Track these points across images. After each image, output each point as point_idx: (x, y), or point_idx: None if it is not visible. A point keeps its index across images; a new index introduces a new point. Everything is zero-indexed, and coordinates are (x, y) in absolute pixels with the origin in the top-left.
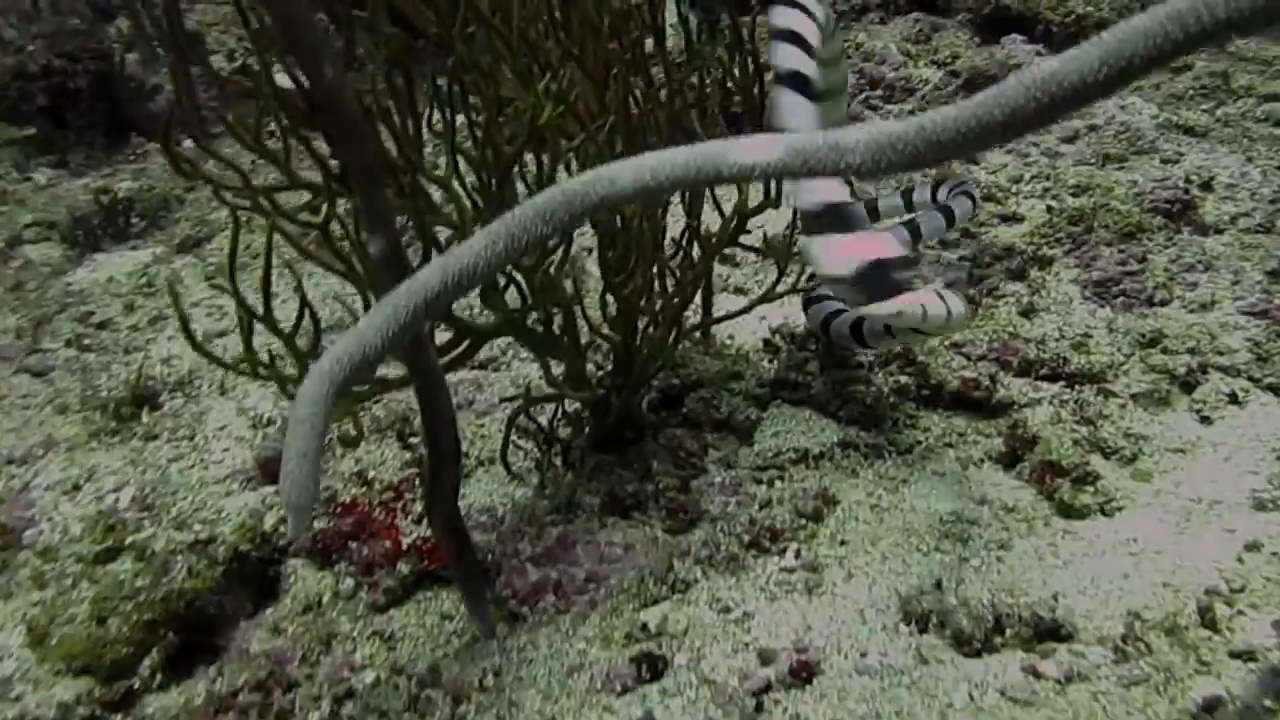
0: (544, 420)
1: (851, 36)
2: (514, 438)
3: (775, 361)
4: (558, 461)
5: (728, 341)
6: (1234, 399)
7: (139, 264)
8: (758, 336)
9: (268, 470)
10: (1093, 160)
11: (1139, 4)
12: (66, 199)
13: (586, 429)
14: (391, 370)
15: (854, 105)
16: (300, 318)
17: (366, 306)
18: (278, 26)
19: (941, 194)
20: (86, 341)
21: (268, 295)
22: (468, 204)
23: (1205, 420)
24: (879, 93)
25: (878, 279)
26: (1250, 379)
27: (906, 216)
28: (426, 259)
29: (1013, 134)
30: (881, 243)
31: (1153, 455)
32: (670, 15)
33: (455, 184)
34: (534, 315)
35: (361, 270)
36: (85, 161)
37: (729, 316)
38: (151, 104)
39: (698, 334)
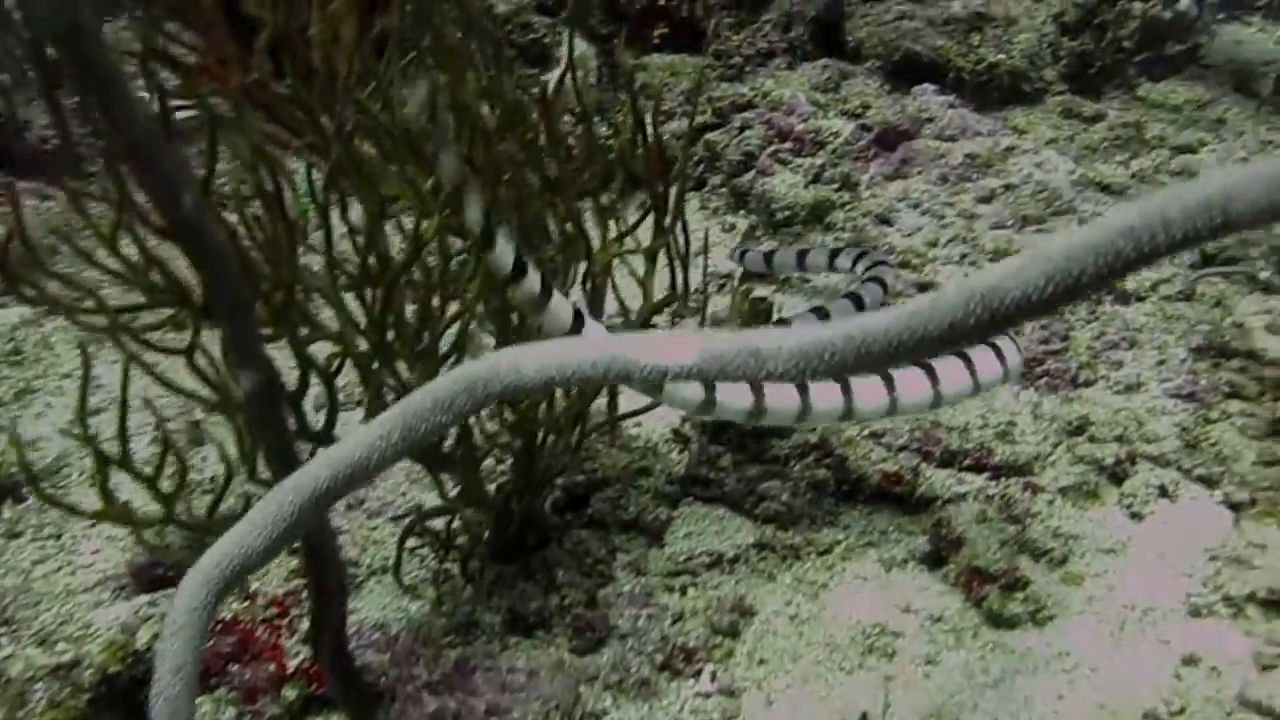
0: (441, 525)
1: (758, 84)
2: (409, 543)
3: (685, 454)
4: (456, 571)
5: (634, 432)
6: (1164, 492)
7: (4, 326)
8: (666, 424)
9: (142, 578)
10: (1010, 222)
11: (1050, 51)
12: None
13: (486, 535)
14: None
15: (761, 159)
16: (163, 459)
17: (240, 444)
18: (127, 153)
19: (859, 268)
20: None
21: (124, 437)
22: (351, 320)
23: (1136, 516)
24: (788, 145)
25: None
26: (1180, 469)
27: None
28: (303, 387)
29: (949, 345)
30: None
31: (1083, 556)
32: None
33: (339, 298)
34: None
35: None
36: None
37: (638, 412)
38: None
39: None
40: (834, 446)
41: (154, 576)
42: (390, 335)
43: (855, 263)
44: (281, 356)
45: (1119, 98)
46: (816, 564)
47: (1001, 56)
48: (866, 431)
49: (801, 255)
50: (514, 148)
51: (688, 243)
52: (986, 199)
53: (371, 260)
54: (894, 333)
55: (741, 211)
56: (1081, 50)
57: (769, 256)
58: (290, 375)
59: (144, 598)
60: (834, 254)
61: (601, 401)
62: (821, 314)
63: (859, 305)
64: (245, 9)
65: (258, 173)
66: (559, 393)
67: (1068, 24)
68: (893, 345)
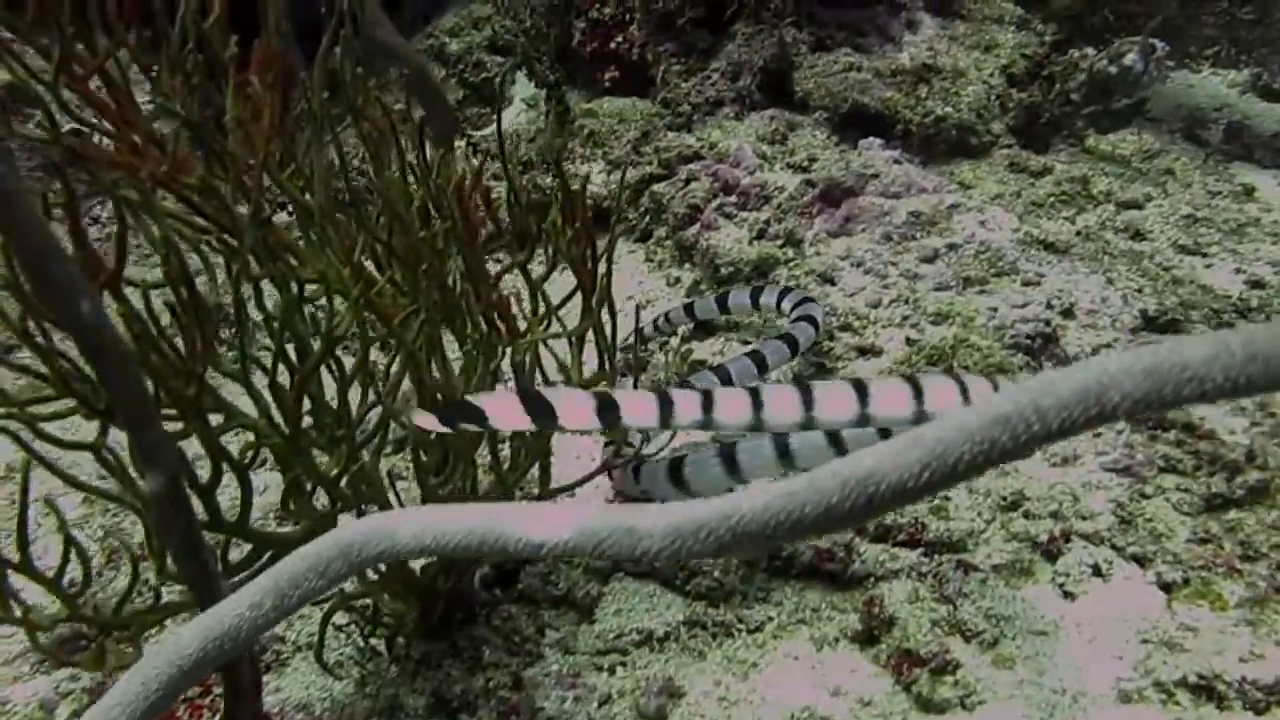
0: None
1: (705, 134)
2: (335, 618)
3: None
4: (382, 648)
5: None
6: (1097, 571)
7: None
8: (600, 493)
9: (63, 652)
10: (953, 283)
11: (998, 104)
12: None
13: (413, 613)
14: (175, 594)
15: (707, 213)
16: (65, 559)
17: (149, 543)
18: (20, 261)
19: (786, 305)
20: None
21: (24, 540)
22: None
23: (1068, 595)
24: (733, 199)
25: None
26: (1114, 547)
27: (751, 347)
28: (216, 478)
29: (825, 530)
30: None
31: (1014, 639)
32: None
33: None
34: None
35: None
36: None
37: (571, 487)
38: None
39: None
40: None
41: (76, 649)
42: (307, 422)
43: (780, 299)
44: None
45: (1066, 150)
46: (747, 641)
47: (949, 110)
48: None
49: (723, 300)
50: (435, 235)
51: (614, 321)
52: (930, 259)
53: (288, 347)
54: (771, 512)
55: (686, 265)
56: (1029, 103)
57: (689, 309)
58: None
59: (64, 672)
60: (756, 292)
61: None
62: (757, 358)
63: (793, 347)
64: (159, 94)
65: (169, 262)
66: (486, 465)
67: (1015, 75)
68: (769, 525)
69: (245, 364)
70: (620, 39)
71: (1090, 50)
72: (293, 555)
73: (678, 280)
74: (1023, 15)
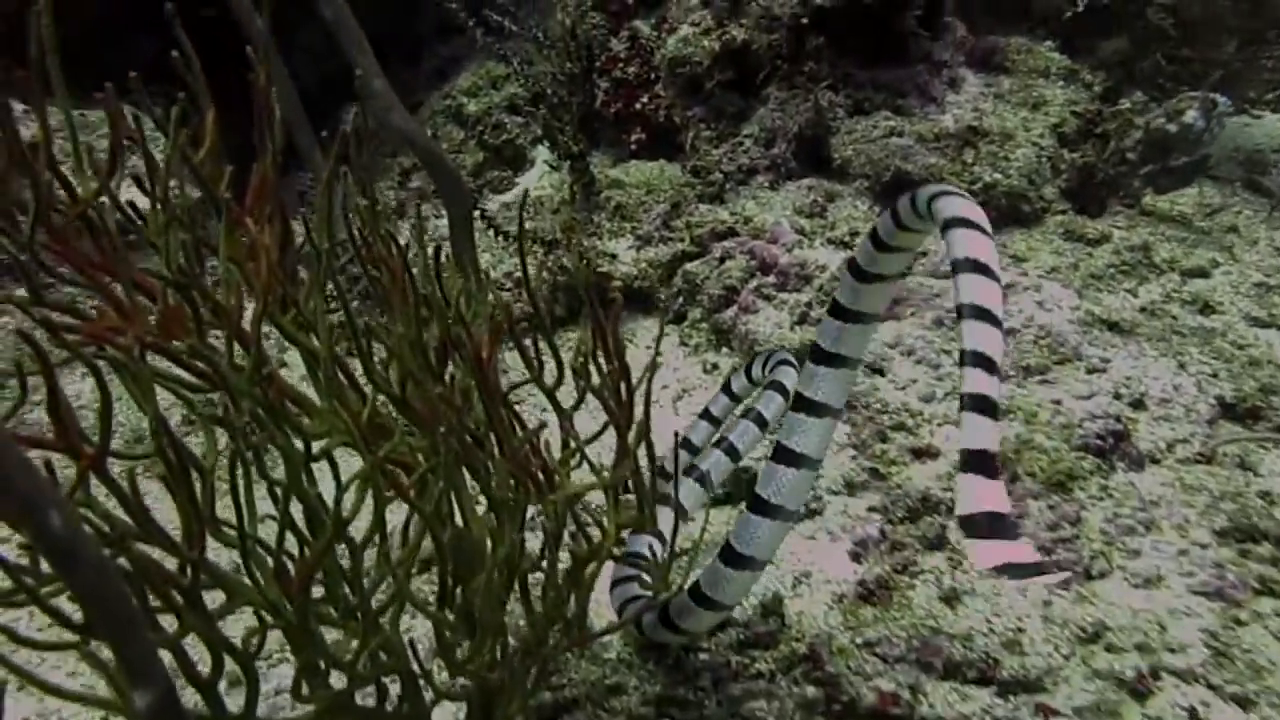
0: None
1: (739, 206)
2: None
3: (662, 669)
4: None
5: (606, 640)
6: (1194, 715)
7: None
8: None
9: None
10: (1012, 373)
11: (1049, 166)
12: None
13: None
14: None
15: (744, 294)
16: None
17: None
18: None
19: (756, 369)
20: None
21: None
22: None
23: None
24: (771, 279)
25: None
26: (1209, 686)
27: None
28: (217, 670)
29: None
30: None
31: None
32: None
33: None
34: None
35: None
36: None
37: (605, 632)
38: None
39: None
40: (825, 659)
41: None
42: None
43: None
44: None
45: (1124, 213)
46: None
47: (998, 176)
48: (860, 640)
49: (727, 388)
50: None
51: (654, 470)
52: None
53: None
54: None
55: (724, 349)
56: (1083, 163)
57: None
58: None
59: None
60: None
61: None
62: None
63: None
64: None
65: (159, 439)
66: (519, 620)
67: (1066, 134)
68: None
69: (246, 545)
70: (645, 99)
71: (1141, 96)
72: None
73: (715, 367)
74: (1069, 65)
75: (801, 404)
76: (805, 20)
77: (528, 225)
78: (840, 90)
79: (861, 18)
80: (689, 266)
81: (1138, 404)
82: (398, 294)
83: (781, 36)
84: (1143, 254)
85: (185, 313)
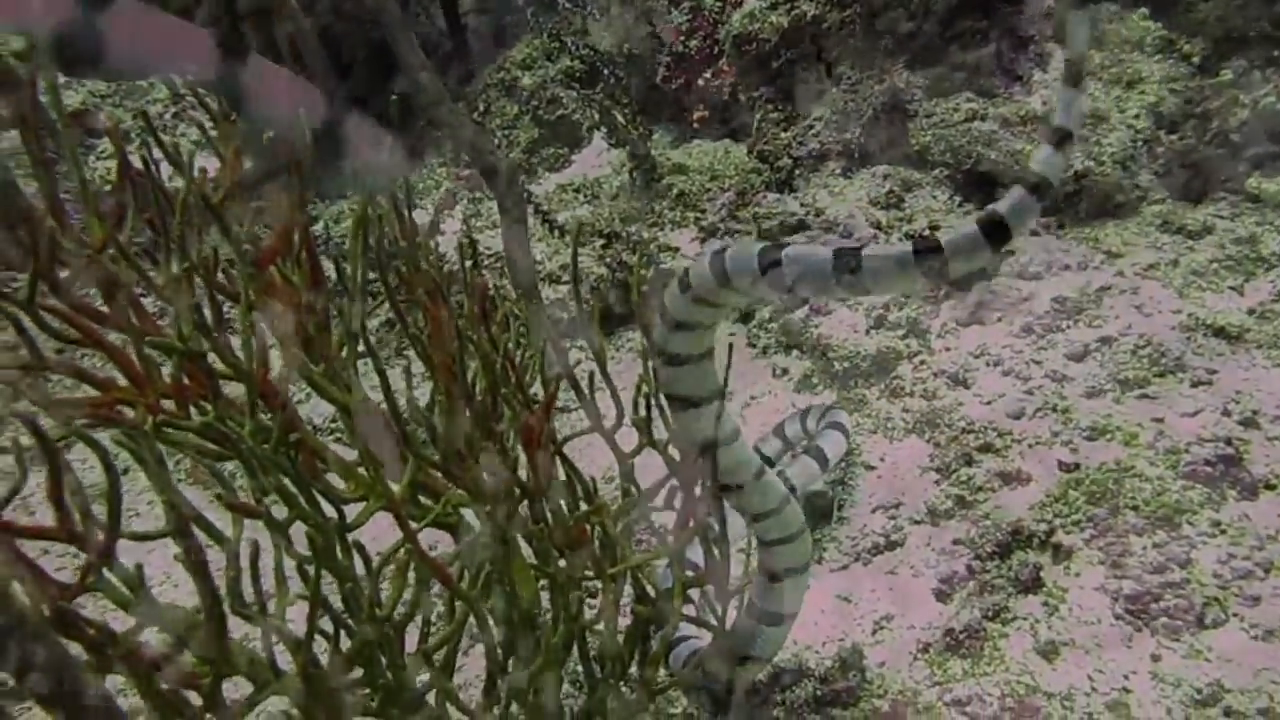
0: None
1: (809, 197)
2: None
3: None
4: None
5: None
6: None
7: None
8: None
9: None
10: (1109, 387)
11: (1145, 150)
12: None
13: None
14: None
15: None
16: None
17: None
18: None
19: (811, 424)
20: None
21: None
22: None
23: None
24: None
25: None
26: None
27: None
28: None
29: None
30: None
31: None
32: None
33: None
34: None
35: None
36: None
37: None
38: None
39: None
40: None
41: None
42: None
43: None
44: None
45: (1227, 199)
46: None
47: (1090, 164)
48: (950, 698)
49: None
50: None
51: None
52: (1079, 356)
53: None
54: None
55: (794, 353)
56: (1183, 146)
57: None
58: None
59: None
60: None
61: None
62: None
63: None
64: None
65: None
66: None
67: (1164, 114)
68: None
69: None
70: (708, 75)
71: (1244, 63)
72: None
73: (785, 371)
74: (1165, 35)
75: None
76: None
77: (584, 212)
78: (918, 69)
79: None
80: None
81: (1249, 422)
82: (440, 349)
83: (855, 11)
84: (1249, 247)
85: (202, 380)
